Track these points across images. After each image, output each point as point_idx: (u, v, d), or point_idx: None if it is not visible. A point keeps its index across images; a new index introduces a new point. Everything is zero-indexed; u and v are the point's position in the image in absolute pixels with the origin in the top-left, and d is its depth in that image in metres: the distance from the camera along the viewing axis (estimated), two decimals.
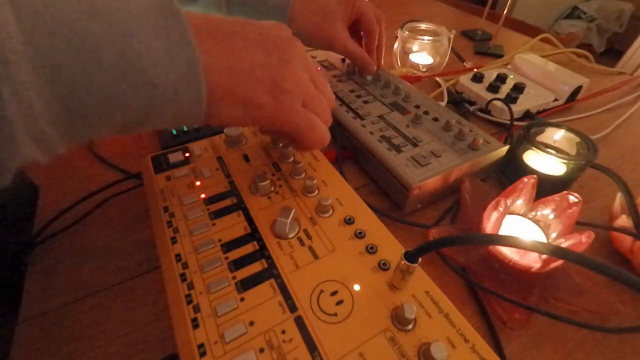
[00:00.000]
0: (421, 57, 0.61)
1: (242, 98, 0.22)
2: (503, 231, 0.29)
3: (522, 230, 0.31)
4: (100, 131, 0.18)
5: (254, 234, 0.26)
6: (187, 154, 0.33)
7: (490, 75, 0.54)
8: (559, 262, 0.26)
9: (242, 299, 0.22)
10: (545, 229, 0.30)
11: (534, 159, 0.37)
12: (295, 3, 0.40)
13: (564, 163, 0.35)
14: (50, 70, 0.15)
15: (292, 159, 0.33)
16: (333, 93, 0.29)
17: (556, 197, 0.31)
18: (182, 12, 0.18)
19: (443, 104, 0.51)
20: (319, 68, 0.51)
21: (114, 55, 0.16)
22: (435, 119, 0.40)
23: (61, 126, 0.16)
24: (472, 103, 0.52)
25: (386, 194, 0.37)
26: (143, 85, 0.17)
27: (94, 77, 0.16)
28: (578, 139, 0.38)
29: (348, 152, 0.41)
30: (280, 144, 0.34)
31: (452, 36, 0.59)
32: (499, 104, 0.48)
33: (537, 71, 0.56)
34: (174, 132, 0.41)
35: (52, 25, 0.15)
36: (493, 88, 0.51)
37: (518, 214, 0.32)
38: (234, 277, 0.23)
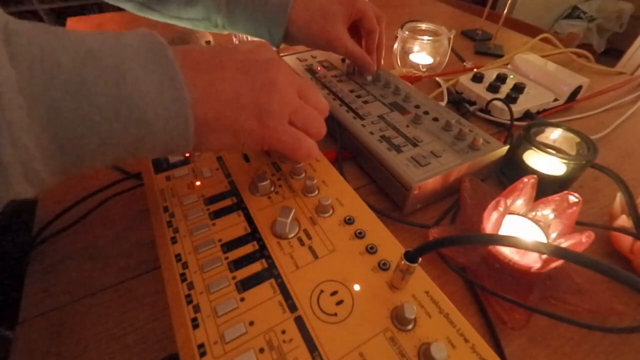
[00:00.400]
0: (421, 57, 0.61)
1: (229, 126, 0.23)
2: (503, 231, 0.29)
3: (522, 230, 0.31)
4: (92, 166, 0.19)
5: (254, 234, 0.26)
6: (187, 154, 0.33)
7: (490, 75, 0.54)
8: (559, 262, 0.26)
9: (242, 299, 0.22)
10: (545, 229, 0.30)
11: (534, 159, 0.37)
12: (296, 3, 0.40)
13: (564, 163, 0.35)
14: (47, 114, 0.15)
15: None
16: (325, 100, 0.30)
17: (556, 197, 0.31)
18: (170, 52, 0.19)
19: (443, 104, 0.51)
20: (318, 68, 0.51)
21: (107, 97, 0.17)
22: (435, 119, 0.40)
23: (54, 165, 0.17)
24: (472, 103, 0.52)
25: (386, 194, 0.37)
26: (135, 122, 0.18)
27: (88, 118, 0.16)
28: (578, 139, 0.38)
29: (348, 152, 0.41)
30: None
31: (452, 36, 0.59)
32: (499, 104, 0.48)
33: (537, 71, 0.56)
34: None
35: (49, 71, 0.15)
36: (493, 88, 0.51)
37: (518, 214, 0.32)
38: (234, 277, 0.23)
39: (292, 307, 0.22)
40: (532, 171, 0.36)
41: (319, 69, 0.51)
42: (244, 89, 0.23)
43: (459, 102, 0.52)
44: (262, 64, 0.24)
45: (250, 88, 0.23)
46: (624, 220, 0.33)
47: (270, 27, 0.41)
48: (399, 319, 0.21)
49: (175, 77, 0.19)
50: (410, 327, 0.21)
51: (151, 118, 0.18)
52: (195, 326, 0.21)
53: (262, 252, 0.25)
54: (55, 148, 0.16)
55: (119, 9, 0.43)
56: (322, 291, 0.23)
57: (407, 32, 0.59)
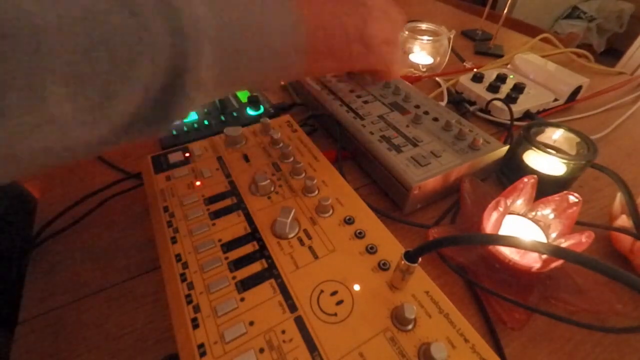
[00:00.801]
0: (421, 57, 0.61)
1: (336, 51, 0.26)
2: (503, 231, 0.29)
3: (522, 230, 0.31)
4: (239, 88, 0.25)
5: (254, 234, 0.26)
6: (187, 154, 0.33)
7: (490, 75, 0.54)
8: (559, 262, 0.26)
9: (242, 299, 0.22)
10: (545, 229, 0.30)
11: (534, 159, 0.37)
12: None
13: (564, 163, 0.35)
14: (222, 50, 0.20)
15: (292, 159, 0.33)
16: (401, 14, 0.32)
17: (556, 197, 0.31)
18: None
19: (443, 104, 0.51)
20: None
21: (255, 35, 0.21)
22: (435, 119, 0.40)
23: (218, 87, 0.22)
24: (472, 103, 0.52)
25: (386, 194, 0.37)
26: (269, 51, 0.23)
27: (246, 52, 0.21)
28: (578, 139, 0.38)
29: (348, 152, 0.41)
30: (281, 144, 0.34)
31: (452, 36, 0.59)
32: (499, 104, 0.48)
33: (537, 71, 0.56)
34: (174, 132, 0.41)
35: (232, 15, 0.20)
36: (493, 88, 0.51)
37: (518, 214, 0.32)
38: (234, 277, 0.23)
39: (292, 307, 0.22)
40: (532, 171, 0.36)
41: None
42: (347, 18, 0.26)
43: (459, 102, 0.52)
44: None
45: (353, 15, 0.26)
46: (624, 220, 0.33)
47: None
48: (399, 319, 0.21)
49: (294, 16, 0.23)
50: (410, 327, 0.21)
51: (279, 48, 0.23)
52: (195, 326, 0.21)
53: (262, 252, 0.25)
54: (221, 75, 0.20)
55: None
56: (322, 291, 0.23)
57: (407, 32, 0.59)
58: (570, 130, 0.38)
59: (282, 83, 0.42)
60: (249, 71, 0.22)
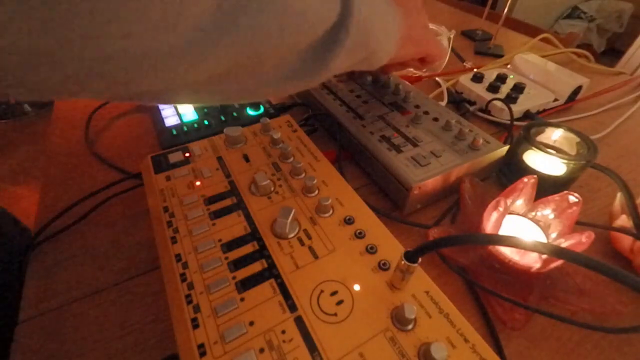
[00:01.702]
0: None
1: (414, 37, 0.31)
2: (503, 231, 0.29)
3: (522, 230, 0.31)
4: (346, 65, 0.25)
5: (254, 234, 0.26)
6: (187, 154, 0.33)
7: (490, 75, 0.54)
8: (559, 262, 0.26)
9: (242, 299, 0.22)
10: (545, 229, 0.30)
11: (534, 159, 0.37)
12: None
13: (564, 163, 0.35)
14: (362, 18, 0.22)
15: (292, 159, 0.33)
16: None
17: (556, 197, 0.31)
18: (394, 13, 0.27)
19: (443, 104, 0.51)
20: None
21: (378, 13, 0.24)
22: (435, 119, 0.40)
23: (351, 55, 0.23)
24: (472, 103, 0.52)
25: (386, 194, 0.37)
26: (385, 33, 0.26)
27: (373, 26, 0.24)
28: (578, 139, 0.38)
29: (348, 152, 0.41)
30: (281, 144, 0.34)
31: (452, 36, 0.59)
32: (499, 104, 0.48)
33: (537, 71, 0.56)
34: (174, 132, 0.41)
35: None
36: (493, 88, 0.51)
37: (518, 214, 0.32)
38: (234, 277, 0.23)
39: (292, 307, 0.22)
40: (532, 171, 0.36)
41: None
42: (417, 15, 0.32)
43: (459, 102, 0.52)
44: None
45: (417, 11, 0.32)
46: (624, 220, 0.33)
47: None
48: (399, 319, 0.21)
49: (395, 16, 0.27)
50: (410, 327, 0.21)
51: (382, 40, 0.26)
52: (195, 326, 0.21)
53: (262, 252, 0.25)
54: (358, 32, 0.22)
55: None
56: (322, 291, 0.23)
57: None
58: (570, 130, 0.38)
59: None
60: (370, 47, 0.24)
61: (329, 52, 0.21)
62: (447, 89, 0.55)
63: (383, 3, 0.26)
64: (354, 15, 0.20)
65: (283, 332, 0.20)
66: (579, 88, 0.53)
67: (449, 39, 0.59)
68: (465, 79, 0.54)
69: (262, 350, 0.20)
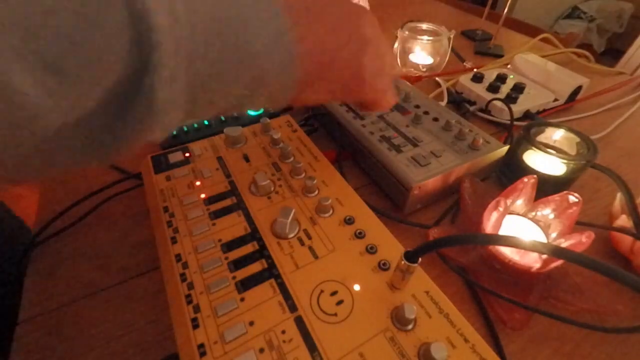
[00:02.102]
0: (421, 57, 0.61)
1: (330, 78, 0.24)
2: (503, 231, 0.29)
3: (522, 230, 0.31)
4: (211, 111, 0.20)
5: (254, 234, 0.26)
6: (187, 154, 0.33)
7: (490, 75, 0.54)
8: (559, 262, 0.26)
9: (242, 299, 0.22)
10: (545, 229, 0.30)
11: (534, 159, 0.37)
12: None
13: (564, 163, 0.35)
14: (190, 59, 0.16)
15: (292, 158, 0.33)
16: (391, 51, 0.30)
17: (556, 197, 0.31)
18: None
19: (443, 104, 0.51)
20: None
21: (234, 47, 0.18)
22: (435, 119, 0.40)
23: (187, 107, 0.18)
24: (472, 103, 0.52)
25: (386, 194, 0.37)
26: (251, 67, 0.19)
27: (220, 66, 0.17)
28: (578, 139, 0.38)
29: (348, 152, 0.41)
30: (281, 144, 0.34)
31: (452, 36, 0.59)
32: (499, 104, 0.48)
33: (537, 71, 0.56)
34: (174, 132, 0.41)
35: (208, 22, 0.16)
36: (493, 88, 0.51)
37: (518, 214, 0.32)
38: (234, 277, 0.23)
39: (292, 307, 0.22)
40: (532, 171, 0.36)
41: None
42: (344, 43, 0.23)
43: (459, 102, 0.52)
44: (355, 16, 0.24)
45: (349, 42, 0.23)
46: (624, 220, 0.33)
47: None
48: (399, 319, 0.21)
49: (286, 33, 0.19)
50: (410, 327, 0.21)
51: (268, 66, 0.19)
52: (195, 326, 0.21)
53: (262, 252, 0.25)
54: (189, 92, 0.17)
55: None
56: (322, 291, 0.23)
57: (407, 32, 0.59)
58: (570, 130, 0.38)
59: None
60: (227, 88, 0.19)
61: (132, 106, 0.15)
62: (447, 89, 0.55)
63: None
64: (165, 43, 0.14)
65: (283, 332, 0.20)
66: (579, 88, 0.53)
67: (449, 39, 0.59)
68: (465, 79, 0.54)
69: (262, 350, 0.20)
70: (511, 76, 0.55)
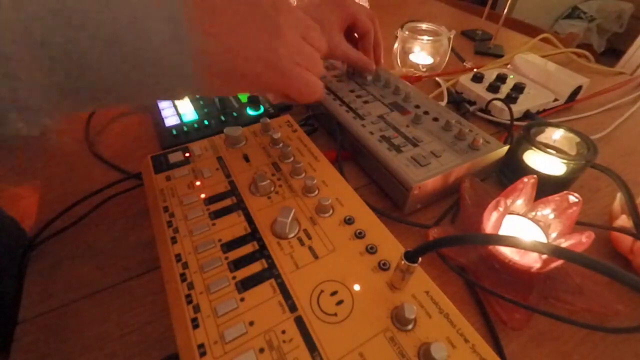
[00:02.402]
0: (421, 57, 0.61)
1: (238, 74, 0.23)
2: (503, 231, 0.29)
3: (522, 230, 0.31)
4: (92, 105, 0.20)
5: (254, 234, 0.26)
6: (187, 154, 0.33)
7: (490, 75, 0.54)
8: (559, 262, 0.26)
9: (242, 299, 0.22)
10: (545, 229, 0.30)
11: (534, 159, 0.37)
12: None
13: (564, 163, 0.35)
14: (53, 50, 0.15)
15: (292, 158, 0.33)
16: (323, 40, 0.28)
17: (556, 197, 0.31)
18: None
19: (443, 104, 0.51)
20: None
21: (123, 52, 0.17)
22: (435, 119, 0.40)
23: (57, 97, 0.17)
24: (472, 103, 0.52)
25: (386, 194, 0.37)
26: (142, 68, 0.18)
27: (90, 52, 0.16)
28: (578, 139, 0.38)
29: (348, 152, 0.41)
30: (281, 144, 0.34)
31: (452, 36, 0.59)
32: (499, 104, 0.48)
33: (537, 71, 0.56)
34: (174, 132, 0.41)
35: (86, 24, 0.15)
36: (493, 88, 0.51)
37: (518, 214, 0.32)
38: (234, 277, 0.23)
39: (292, 307, 0.22)
40: (532, 171, 0.36)
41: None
42: (253, 35, 0.22)
43: (459, 102, 0.52)
44: (269, 7, 0.23)
45: (260, 33, 0.22)
46: (624, 220, 0.33)
47: None
48: (399, 319, 0.21)
49: (181, 22, 0.18)
50: (410, 327, 0.21)
51: (160, 64, 0.18)
52: (195, 326, 0.21)
53: (262, 252, 0.25)
54: (59, 81, 0.16)
55: None
56: (322, 291, 0.23)
57: (407, 32, 0.59)
58: (570, 130, 0.38)
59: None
60: (109, 83, 0.18)
61: None
62: (447, 89, 0.55)
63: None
64: None
65: (283, 332, 0.20)
66: (579, 88, 0.53)
67: (449, 39, 0.59)
68: (465, 79, 0.54)
69: (262, 350, 0.20)
70: (511, 76, 0.55)
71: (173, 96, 0.22)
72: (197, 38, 0.19)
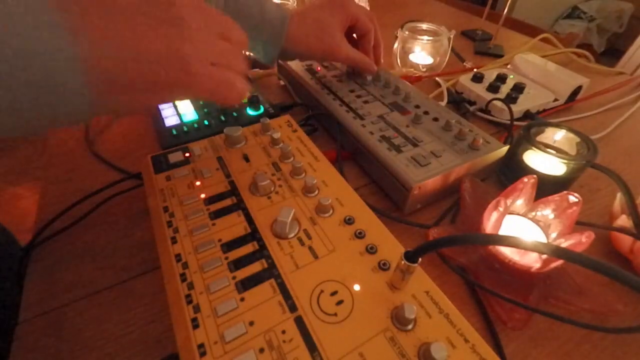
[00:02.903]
0: (421, 57, 0.61)
1: (140, 82, 0.20)
2: (503, 231, 0.29)
3: (522, 230, 0.31)
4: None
5: (254, 234, 0.26)
6: (187, 154, 0.33)
7: (490, 75, 0.54)
8: (559, 262, 0.26)
9: (242, 299, 0.22)
10: (545, 229, 0.30)
11: (534, 159, 0.37)
12: (293, 19, 0.40)
13: (564, 163, 0.35)
14: None
15: (292, 158, 0.33)
16: (243, 31, 0.25)
17: (556, 197, 0.31)
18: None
19: (443, 104, 0.51)
20: (318, 68, 0.51)
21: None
22: (435, 119, 0.40)
23: None
24: (472, 103, 0.52)
25: (386, 194, 0.37)
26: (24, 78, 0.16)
27: None
28: (578, 139, 0.38)
29: (348, 152, 0.41)
30: (281, 144, 0.34)
31: (452, 36, 0.59)
32: (499, 104, 0.48)
33: (537, 71, 0.56)
34: (174, 132, 0.41)
35: None
36: (493, 88, 0.51)
37: (518, 214, 0.32)
38: (234, 277, 0.23)
39: (292, 307, 0.22)
40: (532, 171, 0.36)
41: (318, 69, 0.51)
42: (152, 39, 0.19)
43: (459, 102, 0.52)
44: (166, 5, 0.20)
45: (158, 36, 0.19)
46: (624, 220, 0.33)
47: (265, 44, 0.41)
48: (399, 319, 0.21)
49: (56, 25, 0.16)
50: (410, 327, 0.21)
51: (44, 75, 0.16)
52: (195, 326, 0.21)
53: (262, 252, 0.25)
54: None
55: None
56: (322, 291, 0.23)
57: (407, 32, 0.59)
58: (570, 130, 0.38)
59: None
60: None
61: None
62: (447, 89, 0.55)
63: None
64: None
65: (283, 332, 0.20)
66: (579, 88, 0.53)
67: (449, 39, 0.59)
68: (465, 79, 0.54)
69: (262, 350, 0.20)
70: (511, 76, 0.55)
71: (82, 119, 0.20)
72: (75, 42, 0.16)
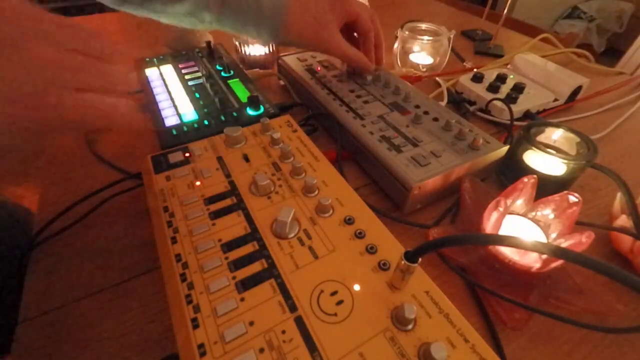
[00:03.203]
0: (421, 57, 0.61)
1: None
2: (503, 231, 0.29)
3: (522, 230, 0.31)
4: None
5: (254, 234, 0.26)
6: (187, 154, 0.33)
7: (490, 75, 0.54)
8: (559, 262, 0.26)
9: (242, 299, 0.22)
10: (545, 229, 0.30)
11: (534, 159, 0.37)
12: (290, 12, 0.40)
13: (564, 163, 0.35)
14: None
15: (292, 158, 0.33)
16: (104, 41, 0.20)
17: (556, 197, 0.31)
18: None
19: (443, 104, 0.51)
20: (318, 68, 0.51)
21: None
22: (435, 119, 0.40)
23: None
24: (472, 103, 0.52)
25: (386, 194, 0.37)
26: None
27: None
28: (578, 139, 0.38)
29: (348, 152, 0.41)
30: (281, 144, 0.34)
31: (452, 36, 0.59)
32: (499, 104, 0.48)
33: (537, 71, 0.56)
34: (174, 132, 0.41)
35: None
36: (493, 88, 0.51)
37: (518, 214, 0.32)
38: (234, 277, 0.23)
39: (292, 307, 0.22)
40: (532, 171, 0.36)
41: (318, 69, 0.51)
42: None
43: (459, 102, 0.52)
44: None
45: None
46: (624, 220, 0.33)
47: (260, 30, 0.41)
48: (399, 319, 0.21)
49: None
50: (410, 327, 0.21)
51: None
52: (195, 326, 0.21)
53: (262, 252, 0.25)
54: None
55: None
56: (322, 291, 0.23)
57: (407, 32, 0.59)
58: (570, 130, 0.38)
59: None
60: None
61: None
62: (447, 89, 0.55)
63: None
64: None
65: (283, 332, 0.20)
66: (579, 88, 0.53)
67: (449, 39, 0.59)
68: (465, 79, 0.54)
69: (262, 350, 0.20)
70: (511, 76, 0.55)
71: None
72: None
